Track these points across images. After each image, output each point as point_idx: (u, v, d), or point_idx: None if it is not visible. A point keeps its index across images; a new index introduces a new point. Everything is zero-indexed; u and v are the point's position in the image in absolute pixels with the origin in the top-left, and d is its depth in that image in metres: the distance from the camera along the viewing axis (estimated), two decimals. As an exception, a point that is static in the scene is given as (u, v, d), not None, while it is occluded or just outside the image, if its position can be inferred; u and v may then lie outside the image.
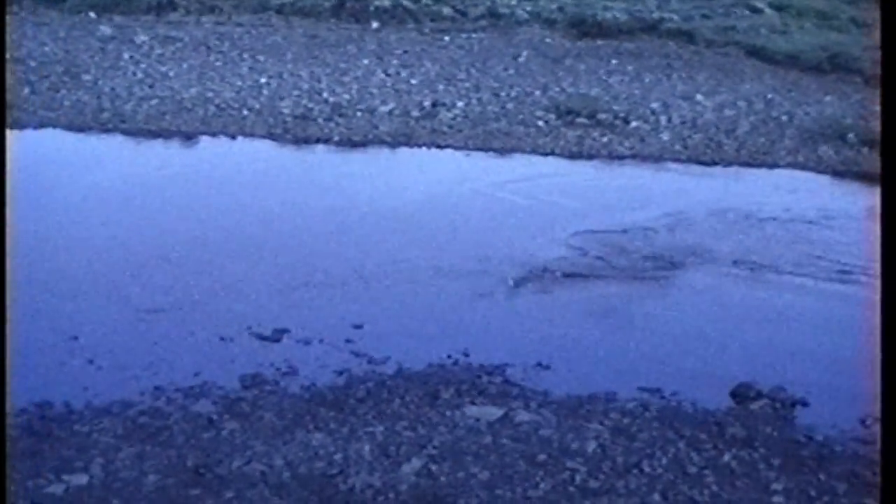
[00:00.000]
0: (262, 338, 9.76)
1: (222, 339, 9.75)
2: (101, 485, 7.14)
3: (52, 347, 9.57)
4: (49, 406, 8.41)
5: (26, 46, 20.42)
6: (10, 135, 16.24)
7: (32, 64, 19.44)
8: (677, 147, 16.69)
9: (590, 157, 16.31)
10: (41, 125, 16.78)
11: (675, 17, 23.35)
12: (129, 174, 14.85)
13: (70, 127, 16.83)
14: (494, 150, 16.47)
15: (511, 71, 20.15)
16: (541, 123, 17.34)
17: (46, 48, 20.51)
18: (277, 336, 9.78)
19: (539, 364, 9.31)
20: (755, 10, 24.15)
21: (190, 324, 10.07)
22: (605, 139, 16.82)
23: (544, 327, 10.23)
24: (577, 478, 7.47)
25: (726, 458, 7.81)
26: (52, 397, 8.54)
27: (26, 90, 18.05)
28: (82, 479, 7.22)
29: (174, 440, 7.81)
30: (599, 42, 22.26)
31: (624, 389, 8.86)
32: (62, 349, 9.53)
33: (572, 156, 16.31)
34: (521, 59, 20.88)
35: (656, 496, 7.28)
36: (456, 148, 16.49)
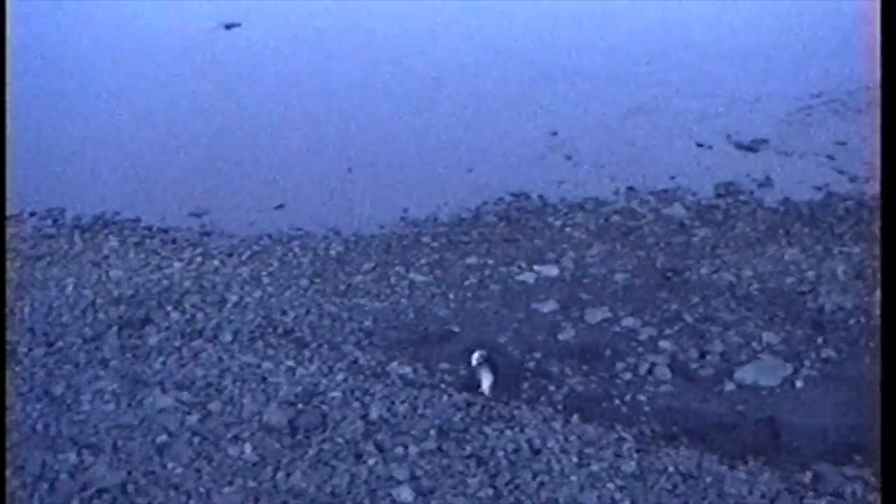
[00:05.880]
0: (741, 147, 9.51)
1: (699, 144, 9.60)
2: (570, 278, 7.30)
3: (534, 141, 9.81)
4: (526, 197, 8.66)
5: None
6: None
7: None
8: None
9: None
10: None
11: None
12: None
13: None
14: None
15: None
16: None
17: None
18: (756, 146, 9.48)
19: None
20: None
21: (667, 127, 9.98)
22: None
23: None
24: None
25: None
26: (528, 189, 8.79)
27: None
28: (552, 271, 7.40)
29: (644, 241, 7.82)
30: None
31: None
32: (542, 144, 9.75)
33: None
34: None
35: None
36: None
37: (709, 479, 5.08)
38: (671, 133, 9.86)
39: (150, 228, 8.37)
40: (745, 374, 6.07)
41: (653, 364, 6.16)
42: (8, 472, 4.89)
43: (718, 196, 8.58)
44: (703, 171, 9.05)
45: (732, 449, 5.37)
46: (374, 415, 5.64)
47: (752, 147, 9.49)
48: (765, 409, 5.70)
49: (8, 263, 7.70)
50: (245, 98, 11.44)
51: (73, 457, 5.32)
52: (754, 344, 6.34)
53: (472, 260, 7.63)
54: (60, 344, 6.47)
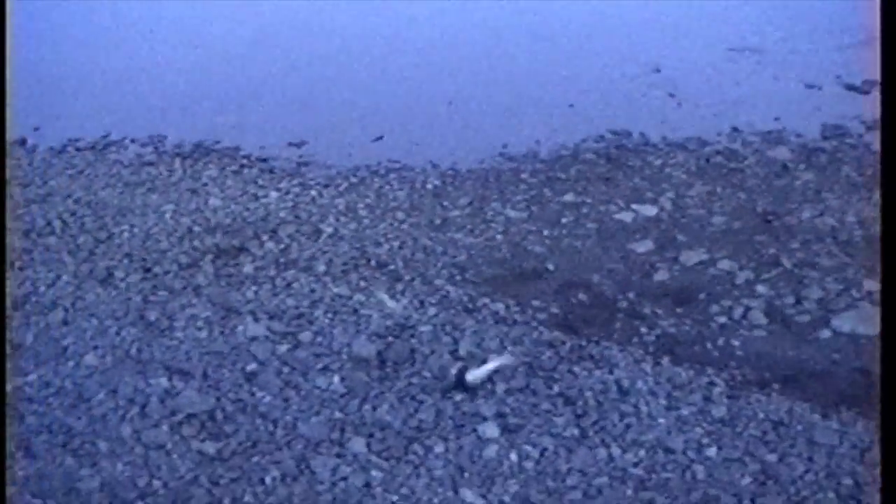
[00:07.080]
0: (851, 88, 9.26)
1: (808, 85, 9.38)
2: (668, 218, 7.20)
3: (636, 78, 9.69)
4: (627, 135, 8.56)
5: None
6: None
7: None
8: None
9: None
10: None
11: None
12: None
13: None
14: None
15: None
16: None
17: None
18: (868, 87, 9.23)
19: None
20: None
21: (775, 67, 9.78)
22: None
23: None
24: None
25: None
26: (630, 127, 8.67)
27: None
28: (651, 211, 7.30)
29: (746, 183, 7.68)
30: None
31: None
32: (645, 81, 9.63)
33: None
34: None
35: None
36: None
37: (799, 428, 4.98)
38: (778, 73, 9.65)
39: (248, 157, 8.43)
40: (843, 322, 5.92)
41: (748, 308, 6.04)
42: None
43: (825, 138, 8.38)
44: (809, 113, 8.84)
45: (825, 398, 5.25)
46: (463, 350, 5.62)
47: (862, 89, 9.24)
48: (860, 359, 5.56)
49: (109, 189, 7.84)
50: (346, 29, 11.45)
51: (164, 382, 5.39)
52: (853, 291, 6.18)
53: (569, 197, 7.55)
54: (157, 270, 6.56)
